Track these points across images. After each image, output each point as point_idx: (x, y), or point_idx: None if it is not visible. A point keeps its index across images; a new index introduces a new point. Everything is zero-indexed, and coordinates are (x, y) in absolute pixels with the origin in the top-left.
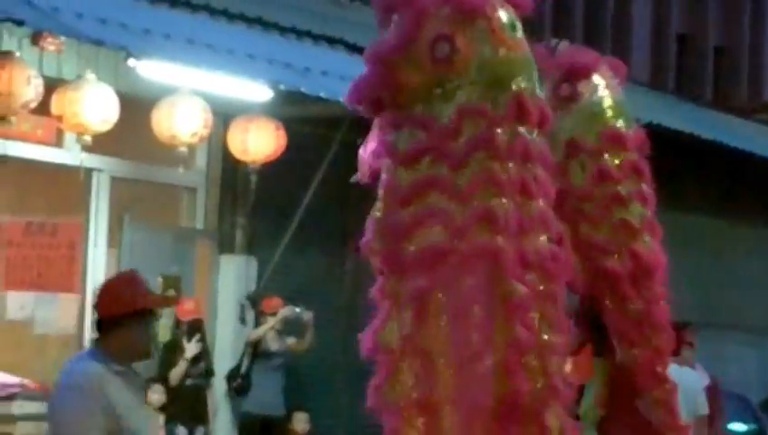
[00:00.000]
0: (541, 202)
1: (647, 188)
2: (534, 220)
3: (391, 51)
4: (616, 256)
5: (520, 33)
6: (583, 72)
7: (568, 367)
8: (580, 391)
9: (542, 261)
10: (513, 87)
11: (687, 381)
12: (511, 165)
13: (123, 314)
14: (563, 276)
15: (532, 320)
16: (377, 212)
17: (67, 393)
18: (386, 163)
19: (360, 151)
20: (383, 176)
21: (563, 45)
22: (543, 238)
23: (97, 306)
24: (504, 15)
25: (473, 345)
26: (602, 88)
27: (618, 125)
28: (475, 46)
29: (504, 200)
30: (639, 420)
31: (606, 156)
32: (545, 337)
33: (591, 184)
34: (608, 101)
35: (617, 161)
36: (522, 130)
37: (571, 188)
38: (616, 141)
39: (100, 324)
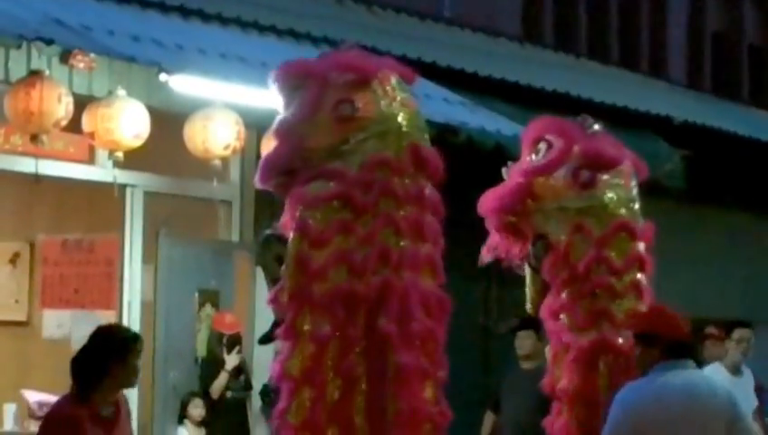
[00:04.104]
0: (430, 246)
1: (644, 279)
2: (424, 261)
3: (298, 121)
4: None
5: (409, 94)
6: (606, 166)
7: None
8: None
9: (428, 300)
10: (410, 139)
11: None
12: (408, 210)
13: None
14: (445, 318)
15: (419, 355)
16: (290, 253)
17: None
18: (299, 210)
19: (262, 157)
20: (296, 220)
21: (595, 127)
22: (430, 280)
23: None
24: (393, 78)
25: (355, 371)
26: (620, 184)
27: (627, 217)
28: (373, 104)
29: (400, 241)
30: None
31: (609, 247)
32: (426, 367)
33: (588, 268)
34: (622, 197)
35: (621, 252)
36: (419, 178)
37: (569, 261)
38: (625, 231)
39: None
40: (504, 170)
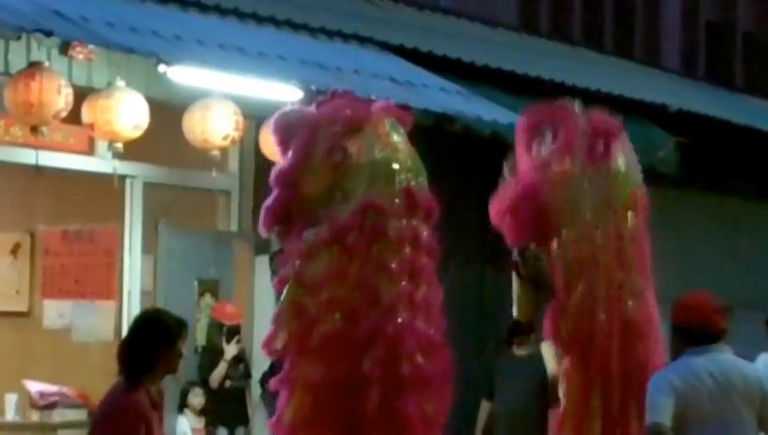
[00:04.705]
0: (425, 288)
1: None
2: (420, 304)
3: (293, 168)
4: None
5: (403, 137)
6: (613, 134)
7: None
8: None
9: (424, 343)
10: (403, 183)
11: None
12: (403, 253)
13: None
14: (443, 361)
15: (413, 399)
16: (284, 299)
17: None
18: (292, 259)
19: (263, 206)
20: (293, 269)
21: (578, 105)
22: (423, 321)
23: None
24: (387, 122)
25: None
26: (625, 152)
27: (639, 187)
28: (366, 150)
29: (394, 285)
30: None
31: (630, 215)
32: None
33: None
34: (631, 165)
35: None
36: (413, 221)
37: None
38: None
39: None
40: (505, 166)
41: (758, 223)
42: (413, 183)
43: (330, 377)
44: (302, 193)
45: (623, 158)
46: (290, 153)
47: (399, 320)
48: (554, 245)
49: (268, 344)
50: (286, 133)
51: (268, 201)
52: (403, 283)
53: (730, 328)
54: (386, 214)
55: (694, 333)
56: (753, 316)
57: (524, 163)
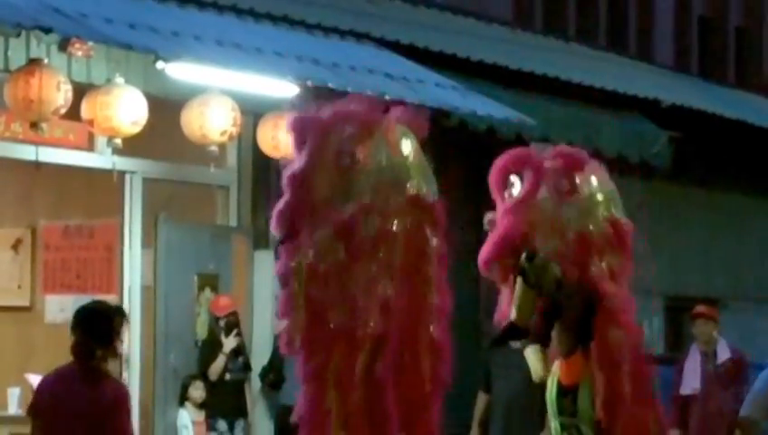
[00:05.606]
0: (435, 295)
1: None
2: (429, 310)
3: (303, 171)
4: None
5: (414, 144)
6: (578, 166)
7: (561, 370)
8: (574, 390)
9: (431, 345)
10: (410, 191)
11: None
12: (410, 258)
13: None
14: (445, 364)
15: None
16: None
17: None
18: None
19: (275, 208)
20: (305, 266)
21: (546, 148)
22: (432, 327)
23: None
24: (398, 129)
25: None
26: (595, 181)
27: (617, 215)
28: (374, 156)
29: (400, 289)
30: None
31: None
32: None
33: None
34: (605, 192)
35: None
36: (420, 228)
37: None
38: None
39: None
40: (485, 220)
41: (750, 216)
42: (420, 191)
43: (342, 370)
44: (312, 196)
45: (594, 188)
46: (302, 155)
47: (407, 325)
48: None
49: (288, 345)
50: (301, 135)
51: (280, 204)
52: (411, 287)
53: (722, 320)
54: (390, 219)
55: None
56: (744, 308)
57: (500, 211)
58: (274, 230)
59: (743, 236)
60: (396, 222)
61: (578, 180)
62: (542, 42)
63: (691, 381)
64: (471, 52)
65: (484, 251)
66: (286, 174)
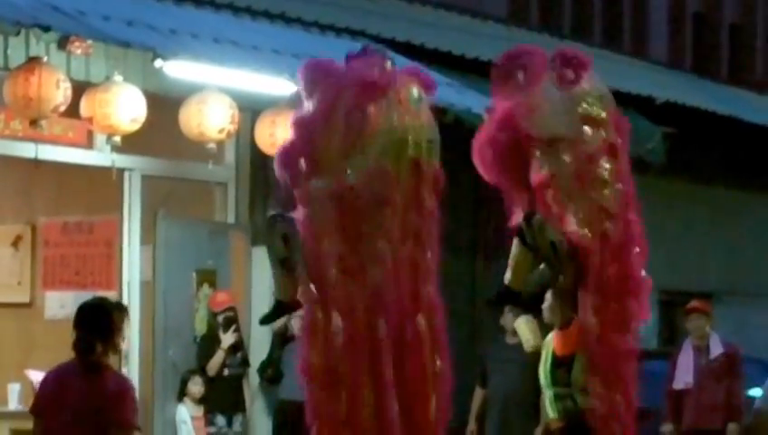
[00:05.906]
0: (429, 254)
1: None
2: (425, 270)
3: (313, 120)
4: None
5: (425, 106)
6: (584, 64)
7: (556, 341)
8: (570, 360)
9: (428, 303)
10: (413, 154)
11: None
12: (406, 218)
13: None
14: (441, 320)
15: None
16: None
17: None
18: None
19: (277, 147)
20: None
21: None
22: (430, 286)
23: None
24: (412, 88)
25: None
26: (596, 82)
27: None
28: (384, 115)
29: (395, 247)
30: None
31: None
32: (437, 364)
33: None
34: (603, 92)
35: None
36: (418, 190)
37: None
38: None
39: None
40: (485, 113)
41: (744, 212)
42: (424, 154)
43: (344, 327)
44: (316, 143)
45: (594, 84)
46: (313, 102)
47: (402, 283)
48: (533, 177)
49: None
50: (312, 82)
51: (283, 144)
52: (406, 246)
53: (716, 314)
54: (392, 183)
55: None
56: (738, 303)
57: (499, 103)
58: (277, 166)
59: (737, 232)
60: (396, 186)
61: (582, 76)
62: (538, 39)
63: (684, 376)
64: (466, 49)
65: (479, 137)
66: (293, 117)
